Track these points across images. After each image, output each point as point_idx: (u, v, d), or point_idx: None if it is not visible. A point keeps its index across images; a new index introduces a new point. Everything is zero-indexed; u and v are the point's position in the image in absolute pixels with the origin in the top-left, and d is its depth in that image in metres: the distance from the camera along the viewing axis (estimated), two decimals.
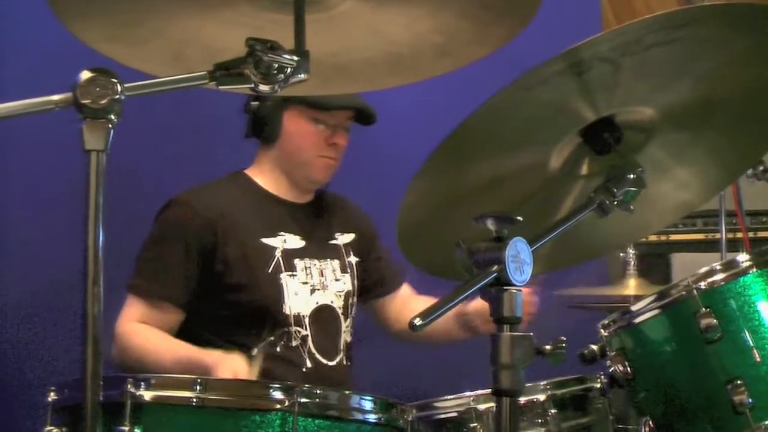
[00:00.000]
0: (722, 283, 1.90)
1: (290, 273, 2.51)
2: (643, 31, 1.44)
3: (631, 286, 2.87)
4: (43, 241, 3.02)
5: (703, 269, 1.92)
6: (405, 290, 2.85)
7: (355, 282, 2.68)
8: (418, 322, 1.29)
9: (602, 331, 2.05)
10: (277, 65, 1.35)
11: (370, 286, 2.78)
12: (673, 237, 3.50)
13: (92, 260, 1.24)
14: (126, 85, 1.27)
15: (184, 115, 3.15)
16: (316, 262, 2.58)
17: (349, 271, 2.66)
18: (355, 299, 2.68)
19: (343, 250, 2.68)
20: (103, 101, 1.25)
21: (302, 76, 1.38)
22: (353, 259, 2.69)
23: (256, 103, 2.57)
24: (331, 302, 2.58)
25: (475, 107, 1.48)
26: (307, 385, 1.76)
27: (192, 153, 3.24)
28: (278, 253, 2.52)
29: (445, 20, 1.52)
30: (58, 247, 2.83)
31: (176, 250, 2.45)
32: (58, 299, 2.98)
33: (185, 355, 2.34)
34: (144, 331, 2.43)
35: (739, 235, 3.15)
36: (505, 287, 1.39)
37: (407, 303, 2.81)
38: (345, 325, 2.61)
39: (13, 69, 3.02)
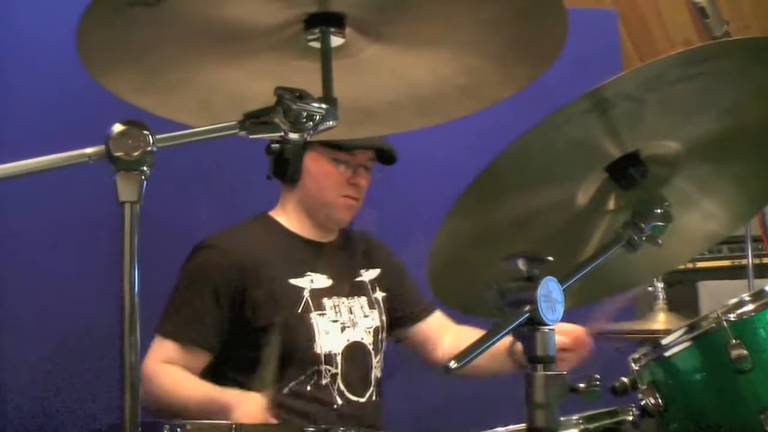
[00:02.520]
0: (752, 313, 1.90)
1: (320, 312, 2.53)
2: (666, 68, 1.45)
3: (660, 320, 2.85)
4: (75, 286, 3.02)
5: (732, 300, 1.92)
6: (440, 318, 2.83)
7: (384, 317, 2.69)
8: (453, 365, 1.31)
9: (633, 364, 2.05)
10: (306, 113, 1.37)
11: (401, 318, 2.79)
12: (700, 264, 3.49)
13: (128, 310, 1.25)
14: (157, 136, 1.29)
15: (205, 159, 3.16)
16: (344, 299, 2.59)
17: (376, 306, 2.68)
18: (384, 335, 2.69)
19: (369, 287, 2.70)
20: (136, 153, 1.27)
21: (330, 123, 1.40)
22: (379, 294, 2.71)
23: (277, 145, 2.59)
24: (362, 339, 2.59)
25: (499, 145, 1.49)
26: (341, 428, 1.77)
27: (214, 197, 3.25)
28: (306, 293, 2.53)
29: (469, 62, 1.54)
30: (91, 292, 2.87)
31: (206, 295, 2.46)
32: (88, 346, 3.00)
33: (205, 394, 2.36)
34: (169, 371, 2.43)
35: (766, 260, 3.15)
36: (537, 326, 1.40)
37: (446, 330, 2.80)
38: (375, 360, 2.62)
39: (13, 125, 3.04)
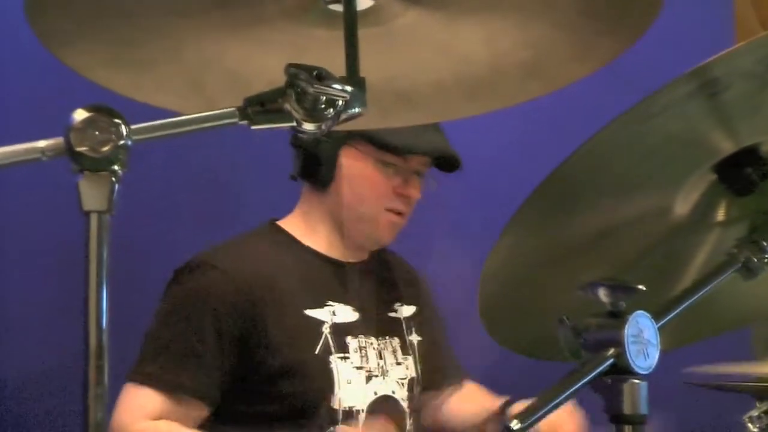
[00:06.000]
0: None
1: (341, 355, 2.46)
2: None
3: None
4: (38, 318, 3.05)
5: None
6: (472, 387, 2.81)
7: (419, 367, 2.63)
8: (515, 425, 1.27)
9: (750, 424, 2.04)
10: (325, 98, 1.34)
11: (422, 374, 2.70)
12: None
13: (95, 353, 1.21)
14: (134, 126, 1.25)
15: (190, 153, 3.14)
16: (372, 340, 2.54)
17: (411, 352, 2.62)
18: (420, 388, 2.63)
19: (404, 325, 2.65)
20: (105, 148, 1.23)
21: (357, 110, 1.37)
22: (415, 337, 2.65)
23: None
24: (393, 392, 2.54)
25: (570, 137, 1.46)
26: None
27: (202, 202, 3.25)
28: (326, 329, 2.46)
29: (535, 33, 1.52)
30: (55, 326, 2.86)
31: (205, 330, 2.37)
32: (56, 381, 3.00)
33: None
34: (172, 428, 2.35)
35: None
36: (624, 376, 1.37)
37: (470, 397, 2.77)
38: (410, 422, 2.56)
39: None
